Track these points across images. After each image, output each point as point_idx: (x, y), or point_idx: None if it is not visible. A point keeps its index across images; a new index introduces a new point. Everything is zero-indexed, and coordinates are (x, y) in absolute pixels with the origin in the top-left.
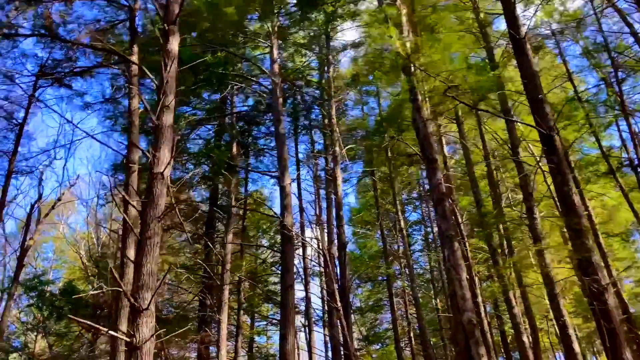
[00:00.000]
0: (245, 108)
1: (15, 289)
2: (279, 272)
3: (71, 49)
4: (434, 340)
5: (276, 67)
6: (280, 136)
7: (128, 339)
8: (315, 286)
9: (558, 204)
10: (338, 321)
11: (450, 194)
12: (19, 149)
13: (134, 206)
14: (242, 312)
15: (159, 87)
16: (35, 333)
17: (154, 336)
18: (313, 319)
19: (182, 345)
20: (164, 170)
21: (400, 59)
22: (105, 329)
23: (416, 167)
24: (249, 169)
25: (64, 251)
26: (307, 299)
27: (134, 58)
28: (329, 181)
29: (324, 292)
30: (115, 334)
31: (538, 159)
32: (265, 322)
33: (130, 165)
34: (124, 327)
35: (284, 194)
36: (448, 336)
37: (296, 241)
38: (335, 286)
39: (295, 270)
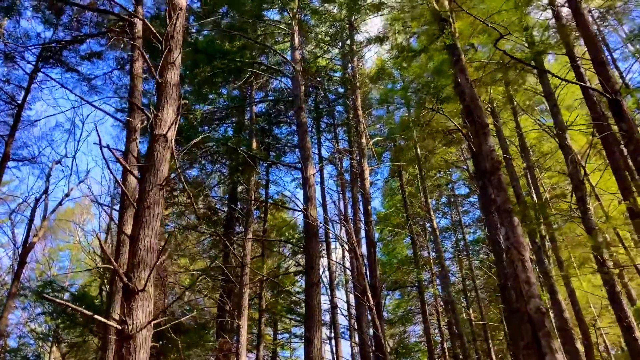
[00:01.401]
0: (265, 106)
1: (16, 287)
2: (301, 277)
3: (75, 19)
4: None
5: (297, 54)
6: (302, 125)
7: (119, 326)
8: (340, 294)
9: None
10: (370, 325)
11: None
12: (18, 133)
13: (132, 173)
14: (263, 320)
15: (163, 41)
16: (49, 343)
17: (152, 324)
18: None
19: (199, 355)
20: (167, 132)
21: (441, 9)
22: (89, 313)
23: (455, 147)
24: (270, 160)
25: (80, 260)
26: (333, 308)
27: (139, 18)
28: (354, 178)
29: (353, 293)
30: (102, 319)
31: (591, 141)
32: (287, 335)
33: (130, 130)
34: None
35: (307, 186)
36: (482, 348)
37: (321, 235)
38: (367, 283)
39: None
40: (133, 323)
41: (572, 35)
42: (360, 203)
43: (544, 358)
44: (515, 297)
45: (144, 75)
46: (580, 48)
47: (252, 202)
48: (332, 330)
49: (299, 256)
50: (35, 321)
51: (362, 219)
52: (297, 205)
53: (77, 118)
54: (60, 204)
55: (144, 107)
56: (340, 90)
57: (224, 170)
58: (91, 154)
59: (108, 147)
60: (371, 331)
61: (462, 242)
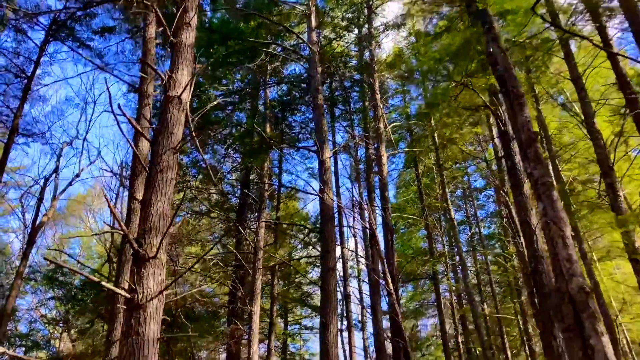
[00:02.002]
0: (278, 93)
1: (24, 267)
2: (313, 269)
3: None
4: (479, 349)
5: (314, 35)
6: (318, 107)
7: (128, 295)
8: (353, 284)
9: None
10: (384, 316)
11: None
12: (28, 107)
13: (144, 136)
14: (275, 309)
15: (178, 0)
16: (59, 329)
17: (164, 294)
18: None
19: (210, 342)
20: (181, 93)
21: None
22: (96, 279)
23: (481, 127)
24: (285, 143)
25: (91, 247)
26: (346, 297)
27: None
28: (370, 165)
29: (367, 282)
30: (110, 286)
31: (622, 124)
32: (298, 326)
33: (143, 96)
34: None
35: (323, 169)
36: (496, 344)
37: (336, 218)
38: (386, 267)
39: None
40: (143, 292)
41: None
42: (377, 190)
43: (588, 341)
44: (555, 277)
45: (157, 41)
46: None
47: (266, 187)
48: (346, 320)
49: (310, 248)
50: (46, 306)
51: (379, 205)
52: (313, 189)
53: (88, 97)
54: (70, 183)
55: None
56: (356, 77)
57: (237, 156)
58: (102, 137)
59: (119, 106)
60: (385, 322)
61: (477, 236)
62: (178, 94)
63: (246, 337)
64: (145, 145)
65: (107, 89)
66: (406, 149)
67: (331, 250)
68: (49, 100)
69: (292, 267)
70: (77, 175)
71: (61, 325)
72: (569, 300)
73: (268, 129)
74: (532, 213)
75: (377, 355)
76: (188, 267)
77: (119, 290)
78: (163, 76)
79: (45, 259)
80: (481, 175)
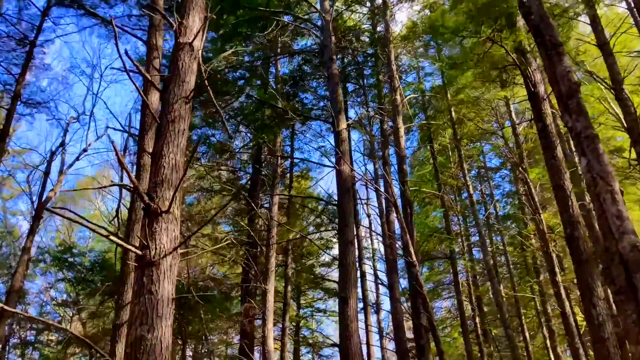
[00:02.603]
0: (289, 69)
1: (30, 242)
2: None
3: None
4: (495, 332)
5: (327, 3)
6: (333, 77)
7: (139, 252)
8: (368, 264)
9: None
10: (401, 296)
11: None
12: (31, 76)
13: (154, 85)
14: (289, 289)
15: None
16: (69, 312)
17: (178, 251)
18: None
19: (224, 323)
20: (193, 40)
21: None
22: (105, 232)
23: (507, 91)
24: (299, 114)
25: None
26: (362, 276)
27: None
28: (385, 139)
29: (384, 260)
30: (122, 242)
31: None
32: (311, 309)
33: (151, 48)
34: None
35: (339, 140)
36: (514, 325)
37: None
38: (408, 238)
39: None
40: (156, 248)
41: None
42: (394, 165)
43: None
44: (603, 236)
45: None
46: None
47: (279, 161)
48: (362, 300)
49: (322, 229)
50: (55, 289)
51: (396, 178)
52: (330, 161)
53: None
54: (78, 158)
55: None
56: (369, 52)
57: (247, 133)
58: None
59: (127, 53)
60: (404, 302)
61: (493, 217)
62: (189, 41)
63: (260, 316)
64: (155, 98)
65: (115, 37)
66: (423, 122)
67: (349, 224)
68: (52, 70)
69: (308, 242)
70: (85, 150)
71: (71, 308)
72: (620, 260)
73: (280, 104)
74: (566, 177)
75: (395, 333)
76: (199, 247)
77: (129, 247)
78: (173, 23)
79: (50, 210)
80: (497, 154)
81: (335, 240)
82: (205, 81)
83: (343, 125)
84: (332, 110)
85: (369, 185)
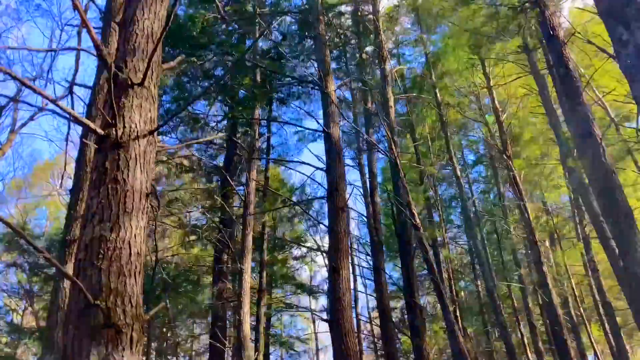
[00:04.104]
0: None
1: None
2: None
3: None
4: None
5: None
6: (320, 37)
7: (100, 131)
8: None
9: None
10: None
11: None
12: None
13: None
14: (264, 275)
15: None
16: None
17: (155, 136)
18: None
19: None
20: None
21: None
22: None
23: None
24: (282, 74)
25: (58, 218)
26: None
27: None
28: (373, 116)
29: (371, 238)
30: (78, 116)
31: None
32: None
33: None
34: None
35: (328, 102)
36: (491, 321)
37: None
38: (409, 198)
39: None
40: (125, 127)
41: None
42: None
43: None
44: None
45: None
46: None
47: (256, 138)
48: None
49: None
50: (4, 275)
51: (384, 151)
52: (319, 124)
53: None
54: (32, 118)
55: None
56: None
57: (221, 105)
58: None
59: None
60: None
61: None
62: None
63: (234, 299)
64: None
65: None
66: (413, 95)
67: (340, 190)
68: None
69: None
70: (41, 110)
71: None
72: None
73: (258, 77)
74: (595, 124)
75: (381, 319)
76: (168, 237)
77: (87, 123)
78: None
79: None
80: (474, 151)
81: (310, 233)
82: None
83: (332, 86)
84: (320, 71)
85: (362, 149)
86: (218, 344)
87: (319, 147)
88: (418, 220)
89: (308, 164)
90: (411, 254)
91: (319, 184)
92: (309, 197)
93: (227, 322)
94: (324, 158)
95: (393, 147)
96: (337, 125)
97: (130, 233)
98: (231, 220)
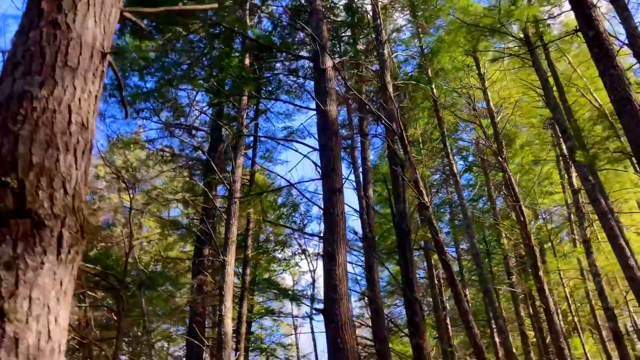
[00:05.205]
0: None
1: None
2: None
3: None
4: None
5: None
6: (317, 12)
7: None
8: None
9: None
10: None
11: None
12: None
13: None
14: (248, 272)
15: None
16: None
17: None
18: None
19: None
20: None
21: None
22: None
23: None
24: (278, 48)
25: None
26: None
27: None
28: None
29: (364, 235)
30: None
31: None
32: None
33: None
34: None
35: (324, 78)
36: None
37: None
38: (418, 175)
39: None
40: None
41: None
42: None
43: None
44: None
45: None
46: None
47: (243, 122)
48: None
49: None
50: None
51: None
52: (317, 102)
53: None
54: None
55: None
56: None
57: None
58: None
59: None
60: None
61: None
62: None
63: (214, 294)
64: None
65: None
66: (413, 81)
67: (337, 169)
68: None
69: (267, 233)
70: None
71: None
72: None
73: (247, 60)
74: (632, 88)
75: (373, 320)
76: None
77: None
78: None
79: None
80: (463, 157)
81: (296, 236)
82: None
83: (329, 63)
84: (317, 47)
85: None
86: (196, 341)
87: (309, 142)
88: (427, 199)
89: (301, 142)
90: (410, 246)
91: (315, 164)
92: (304, 180)
93: (207, 321)
94: (317, 149)
95: (395, 128)
96: (334, 103)
97: (72, 95)
98: (213, 213)
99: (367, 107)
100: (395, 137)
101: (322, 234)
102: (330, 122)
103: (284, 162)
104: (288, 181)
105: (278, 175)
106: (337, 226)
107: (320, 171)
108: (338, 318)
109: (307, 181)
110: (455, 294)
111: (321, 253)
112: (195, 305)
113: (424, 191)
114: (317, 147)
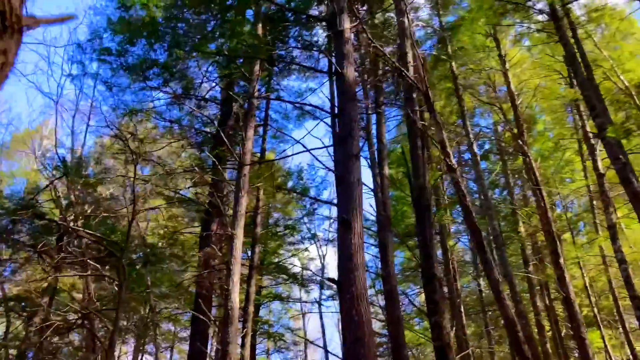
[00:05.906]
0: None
1: None
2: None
3: None
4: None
5: None
6: None
7: None
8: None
9: None
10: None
11: None
12: None
13: None
14: (257, 250)
15: None
16: None
17: None
18: None
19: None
20: None
21: None
22: None
23: None
24: (292, 10)
25: (39, 186)
26: None
27: None
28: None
29: (377, 215)
30: None
31: None
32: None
33: None
34: None
35: (341, 40)
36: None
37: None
38: (444, 136)
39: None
40: None
41: None
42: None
43: None
44: None
45: None
46: None
47: (255, 93)
48: None
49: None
50: None
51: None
52: (332, 62)
53: None
54: None
55: None
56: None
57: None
58: None
59: None
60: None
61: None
62: None
63: (222, 269)
64: None
65: None
66: (433, 53)
67: (354, 135)
68: None
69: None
70: None
71: None
72: None
73: (260, 30)
74: None
75: (387, 299)
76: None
77: None
78: None
79: None
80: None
81: (306, 220)
82: None
83: (347, 24)
84: (335, 6)
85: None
86: (202, 317)
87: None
88: (453, 161)
89: (314, 105)
90: (430, 221)
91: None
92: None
93: (214, 301)
94: (330, 114)
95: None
96: (352, 66)
97: None
98: (222, 186)
99: (391, 63)
100: (415, 107)
101: (336, 202)
102: (347, 85)
103: (296, 142)
104: (303, 145)
105: (292, 137)
106: (353, 193)
107: (334, 137)
108: (353, 289)
109: (321, 148)
110: (484, 262)
111: (331, 238)
112: (202, 279)
113: (450, 153)
114: (331, 114)
